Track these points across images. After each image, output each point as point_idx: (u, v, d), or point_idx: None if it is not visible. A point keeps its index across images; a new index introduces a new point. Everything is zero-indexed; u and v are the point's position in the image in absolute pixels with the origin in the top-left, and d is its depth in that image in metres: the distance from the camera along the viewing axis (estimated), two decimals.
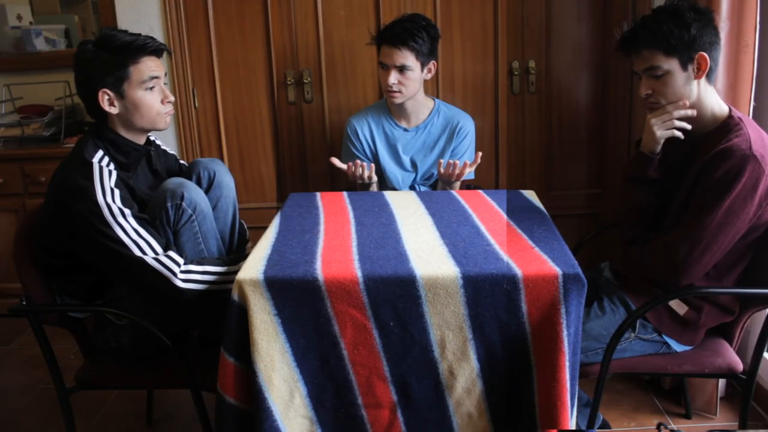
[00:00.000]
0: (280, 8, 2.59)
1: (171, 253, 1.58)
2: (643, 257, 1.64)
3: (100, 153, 1.64)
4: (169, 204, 1.63)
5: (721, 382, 2.06)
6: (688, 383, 2.05)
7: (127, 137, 1.70)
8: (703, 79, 1.58)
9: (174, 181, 1.67)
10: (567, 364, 1.38)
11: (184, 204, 1.63)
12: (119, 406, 2.25)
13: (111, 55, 1.62)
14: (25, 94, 3.15)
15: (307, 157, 2.74)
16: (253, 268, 1.44)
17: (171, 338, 1.58)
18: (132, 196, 1.65)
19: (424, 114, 2.35)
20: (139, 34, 1.67)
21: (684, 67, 1.56)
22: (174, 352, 1.59)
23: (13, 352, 2.69)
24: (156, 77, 1.68)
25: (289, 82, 2.65)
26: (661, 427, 1.95)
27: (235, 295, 1.42)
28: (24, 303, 1.60)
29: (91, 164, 1.60)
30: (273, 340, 1.41)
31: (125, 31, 1.67)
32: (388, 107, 2.38)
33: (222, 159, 2.71)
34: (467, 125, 2.34)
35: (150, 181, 1.80)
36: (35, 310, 1.62)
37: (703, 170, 1.54)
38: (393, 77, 2.17)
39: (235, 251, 1.88)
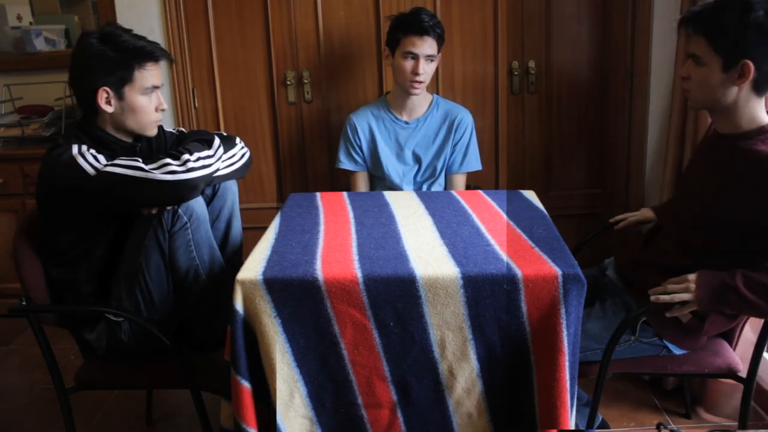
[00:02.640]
0: (280, 8, 2.59)
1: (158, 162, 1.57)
2: (749, 291, 1.42)
3: (84, 147, 1.61)
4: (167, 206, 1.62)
5: None
6: (688, 383, 2.05)
7: (115, 135, 1.70)
8: (746, 87, 1.48)
9: None
10: (567, 364, 1.38)
11: (180, 211, 1.62)
12: (119, 406, 2.25)
13: (118, 55, 1.62)
14: (25, 94, 3.15)
15: (307, 157, 2.74)
16: (253, 268, 1.44)
17: (171, 338, 1.58)
18: None
19: (424, 107, 2.37)
20: (145, 38, 1.66)
21: (725, 69, 1.47)
22: (174, 352, 1.59)
23: (13, 352, 2.69)
24: (157, 87, 1.69)
25: (289, 82, 2.65)
26: (661, 427, 1.95)
27: (238, 305, 1.41)
28: (24, 303, 1.60)
29: (70, 150, 1.59)
30: (273, 341, 1.41)
31: (130, 31, 1.66)
32: (388, 102, 2.39)
33: None
34: (466, 119, 2.37)
35: None
36: (35, 310, 1.62)
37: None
38: (423, 66, 2.20)
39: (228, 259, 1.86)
